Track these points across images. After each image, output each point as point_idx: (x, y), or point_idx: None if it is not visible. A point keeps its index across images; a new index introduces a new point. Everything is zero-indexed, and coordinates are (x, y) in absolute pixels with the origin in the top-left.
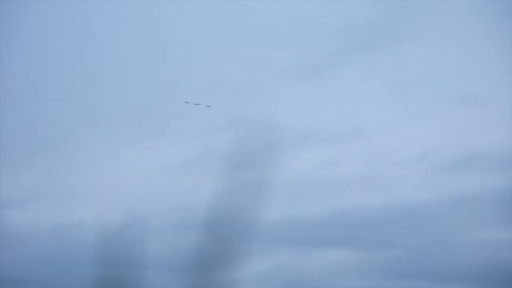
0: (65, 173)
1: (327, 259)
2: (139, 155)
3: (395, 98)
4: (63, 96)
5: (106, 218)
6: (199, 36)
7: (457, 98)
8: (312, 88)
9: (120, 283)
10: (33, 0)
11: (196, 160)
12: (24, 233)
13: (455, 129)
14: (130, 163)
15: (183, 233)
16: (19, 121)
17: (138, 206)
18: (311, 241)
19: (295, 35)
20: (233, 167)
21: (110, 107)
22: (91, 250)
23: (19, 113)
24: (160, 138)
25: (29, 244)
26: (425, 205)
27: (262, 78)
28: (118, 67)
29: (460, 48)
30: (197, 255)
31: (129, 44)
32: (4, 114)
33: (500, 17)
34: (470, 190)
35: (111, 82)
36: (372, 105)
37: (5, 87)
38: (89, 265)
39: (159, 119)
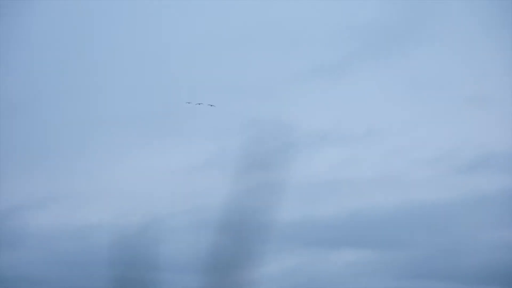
0: (81, 175)
1: (343, 260)
2: (154, 157)
3: (411, 99)
4: (72, 97)
5: (123, 220)
6: (211, 36)
7: (473, 99)
8: (327, 89)
9: (137, 284)
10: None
11: (212, 161)
12: (41, 235)
13: (471, 130)
14: (145, 165)
15: (199, 234)
16: (32, 123)
17: (154, 208)
18: (327, 242)
19: (309, 36)
20: (248, 168)
21: (121, 108)
22: (109, 252)
23: (31, 115)
24: (175, 139)
25: (47, 245)
26: (442, 206)
27: (277, 78)
28: (125, 67)
29: (476, 49)
30: (213, 256)
31: (138, 45)
32: (15, 117)
33: None
34: (487, 191)
35: (120, 83)
36: (388, 106)
37: (13, 89)
38: (106, 266)
39: (173, 120)
